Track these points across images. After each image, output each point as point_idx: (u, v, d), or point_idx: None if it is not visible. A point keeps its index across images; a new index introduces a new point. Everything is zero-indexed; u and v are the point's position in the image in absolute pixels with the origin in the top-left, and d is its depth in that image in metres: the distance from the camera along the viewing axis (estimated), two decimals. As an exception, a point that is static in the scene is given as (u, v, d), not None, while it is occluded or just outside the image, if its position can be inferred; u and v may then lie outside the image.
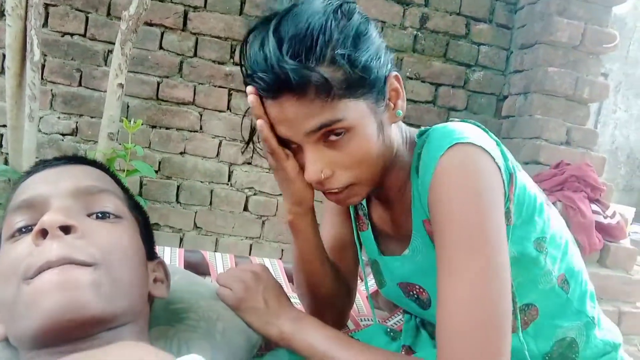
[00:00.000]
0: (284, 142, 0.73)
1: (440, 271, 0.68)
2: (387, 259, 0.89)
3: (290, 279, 1.21)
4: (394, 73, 0.74)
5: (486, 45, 2.65)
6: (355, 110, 0.68)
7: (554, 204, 1.60)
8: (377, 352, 0.73)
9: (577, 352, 0.82)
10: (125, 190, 0.73)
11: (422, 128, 0.80)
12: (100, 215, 0.63)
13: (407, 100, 2.59)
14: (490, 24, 2.65)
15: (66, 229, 0.57)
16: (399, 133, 0.79)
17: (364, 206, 0.93)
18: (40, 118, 2.24)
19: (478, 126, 0.76)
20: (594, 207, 2.23)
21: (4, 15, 1.81)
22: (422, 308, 0.86)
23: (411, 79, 2.59)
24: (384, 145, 0.73)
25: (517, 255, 0.75)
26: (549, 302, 0.81)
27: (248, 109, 0.74)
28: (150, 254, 0.73)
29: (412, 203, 0.79)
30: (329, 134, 0.68)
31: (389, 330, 0.96)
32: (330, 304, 0.98)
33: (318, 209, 0.82)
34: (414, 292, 0.86)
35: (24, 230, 0.60)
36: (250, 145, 0.85)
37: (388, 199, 0.85)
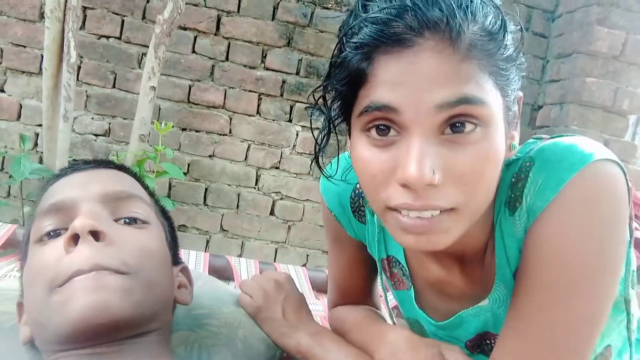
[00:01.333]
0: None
1: (522, 305, 0.56)
2: (445, 324, 0.74)
3: (314, 287, 1.20)
4: (521, 93, 0.59)
5: (522, 54, 2.59)
6: (497, 102, 0.52)
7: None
8: None
9: None
10: (152, 195, 0.73)
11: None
12: (128, 221, 0.63)
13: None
14: (526, 32, 2.59)
15: (95, 235, 0.57)
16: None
17: (402, 264, 0.77)
18: (75, 119, 2.28)
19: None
20: (633, 223, 2.14)
21: (43, 17, 1.86)
22: None
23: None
24: (500, 170, 0.55)
25: (620, 294, 0.64)
26: (620, 337, 0.71)
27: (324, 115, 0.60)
28: (175, 259, 0.72)
29: (498, 249, 0.63)
30: (457, 122, 0.50)
31: None
32: None
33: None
34: (491, 340, 0.72)
35: (52, 234, 0.60)
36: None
37: (460, 256, 0.67)
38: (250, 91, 2.42)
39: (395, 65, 0.49)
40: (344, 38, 0.54)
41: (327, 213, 0.83)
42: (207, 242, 2.48)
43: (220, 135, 2.43)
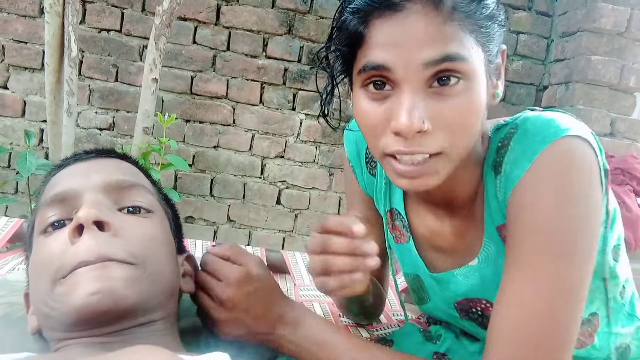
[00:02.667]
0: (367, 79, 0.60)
1: (512, 272, 0.60)
2: (439, 275, 0.78)
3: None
4: (504, 47, 0.65)
5: (525, 34, 2.56)
6: (478, 58, 0.58)
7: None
8: (389, 357, 0.66)
9: (630, 358, 0.77)
10: (154, 183, 0.73)
11: (501, 121, 0.68)
12: (132, 210, 0.63)
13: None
14: (529, 11, 2.56)
15: (100, 225, 0.57)
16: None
17: (402, 216, 0.82)
18: (79, 113, 2.29)
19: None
20: (611, 200, 2.12)
21: (43, 13, 1.86)
22: (484, 327, 0.73)
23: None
24: (484, 118, 0.62)
25: (597, 265, 0.67)
26: (608, 308, 0.74)
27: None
28: (180, 248, 0.72)
29: (485, 206, 0.68)
30: (443, 76, 0.56)
31: (422, 330, 0.92)
32: (365, 314, 0.96)
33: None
34: (478, 308, 0.76)
35: (56, 224, 0.60)
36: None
37: (450, 203, 0.73)
38: (252, 80, 2.41)
39: (388, 28, 0.56)
40: (343, 3, 0.61)
41: (347, 165, 0.90)
42: (215, 232, 2.49)
43: (224, 125, 2.43)
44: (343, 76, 0.70)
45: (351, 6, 0.58)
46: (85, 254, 0.54)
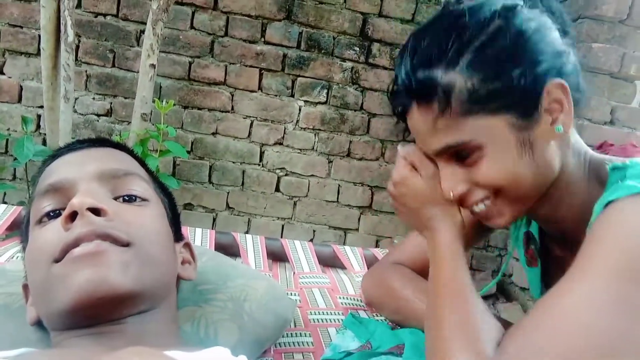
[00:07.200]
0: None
1: (573, 278, 0.55)
2: None
3: (320, 262, 1.20)
4: (557, 81, 0.63)
5: (526, 21, 2.54)
6: (487, 129, 0.63)
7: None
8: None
9: None
10: (150, 172, 0.73)
11: (618, 163, 0.66)
12: (127, 198, 0.63)
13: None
14: (530, -2, 2.54)
15: (96, 211, 0.56)
16: (568, 153, 0.68)
17: (536, 241, 0.84)
18: (76, 99, 2.27)
19: None
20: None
21: (39, -4, 1.83)
22: None
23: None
24: (535, 165, 0.64)
25: None
26: None
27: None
28: (177, 236, 0.72)
29: None
30: (459, 152, 0.65)
31: None
32: None
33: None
34: None
35: (52, 214, 0.60)
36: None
37: (564, 233, 0.74)
38: (251, 66, 2.39)
39: (409, 122, 0.69)
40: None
41: None
42: (214, 220, 2.49)
43: (223, 112, 2.41)
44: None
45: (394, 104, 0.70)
46: (79, 232, 0.54)
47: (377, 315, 0.97)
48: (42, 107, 2.04)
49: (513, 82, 0.61)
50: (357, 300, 1.02)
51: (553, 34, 0.65)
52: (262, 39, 2.38)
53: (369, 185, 2.58)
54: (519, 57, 0.61)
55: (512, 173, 0.64)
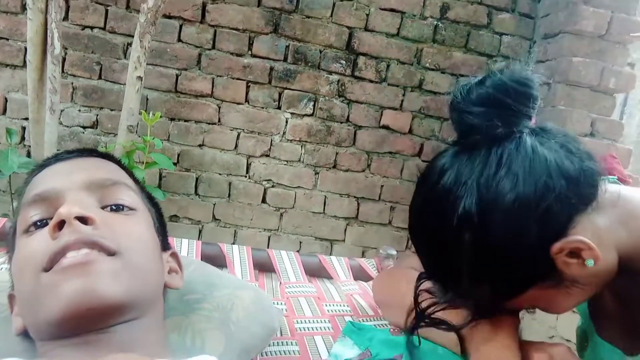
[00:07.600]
0: None
1: None
2: (606, 344, 0.78)
3: (307, 272, 1.20)
4: (556, 247, 0.59)
5: (508, 35, 2.60)
6: (532, 300, 0.66)
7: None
8: None
9: None
10: (137, 182, 0.73)
11: None
12: (114, 208, 0.63)
13: (426, 91, 2.57)
14: (512, 13, 2.59)
15: (83, 220, 0.57)
16: (611, 244, 0.62)
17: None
18: (62, 111, 2.26)
19: None
20: None
21: (25, 9, 1.83)
22: None
23: (431, 69, 2.55)
24: (591, 289, 0.64)
25: None
26: None
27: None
28: (164, 245, 0.73)
29: None
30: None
31: None
32: None
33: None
34: None
35: (39, 224, 0.60)
36: None
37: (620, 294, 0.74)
38: (237, 79, 2.41)
39: None
40: None
41: None
42: (200, 231, 2.48)
43: (209, 124, 2.42)
44: None
45: None
46: (66, 240, 0.54)
47: (374, 319, 0.98)
48: (27, 119, 2.03)
49: (511, 274, 0.63)
50: (345, 306, 1.03)
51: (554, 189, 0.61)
52: (249, 52, 2.40)
53: (355, 197, 2.59)
54: (508, 259, 0.61)
55: (578, 302, 0.67)
